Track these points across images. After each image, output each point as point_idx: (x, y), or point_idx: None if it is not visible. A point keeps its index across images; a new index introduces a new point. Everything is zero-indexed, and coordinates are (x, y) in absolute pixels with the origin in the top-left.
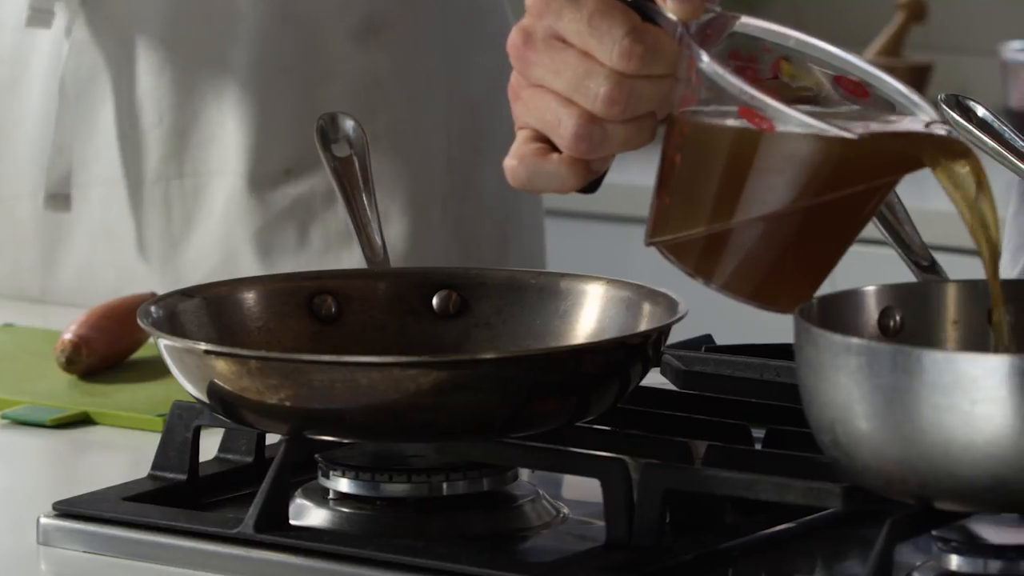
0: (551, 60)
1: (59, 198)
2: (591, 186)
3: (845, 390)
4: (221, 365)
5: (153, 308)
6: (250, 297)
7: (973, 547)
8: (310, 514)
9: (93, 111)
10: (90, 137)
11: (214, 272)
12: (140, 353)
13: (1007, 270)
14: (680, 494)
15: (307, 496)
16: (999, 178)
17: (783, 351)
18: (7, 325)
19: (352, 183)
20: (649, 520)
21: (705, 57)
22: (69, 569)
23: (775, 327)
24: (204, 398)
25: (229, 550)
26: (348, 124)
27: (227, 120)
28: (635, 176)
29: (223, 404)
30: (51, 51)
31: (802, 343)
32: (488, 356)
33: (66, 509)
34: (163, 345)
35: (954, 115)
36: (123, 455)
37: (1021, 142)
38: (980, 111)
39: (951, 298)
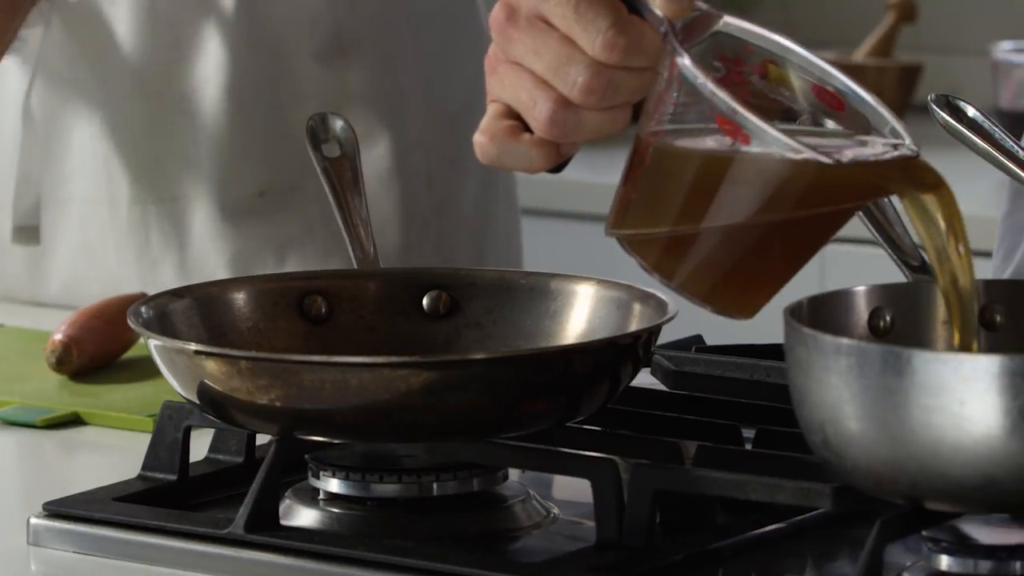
0: (532, 40)
1: (27, 230)
2: (558, 167)
3: (835, 390)
4: (211, 365)
5: (143, 308)
6: (240, 297)
7: (963, 547)
8: (300, 514)
9: (67, 132)
10: (65, 155)
11: None
12: (130, 353)
13: (999, 270)
14: (670, 494)
15: (297, 496)
16: (989, 178)
17: (773, 351)
18: None
19: (342, 183)
20: (639, 520)
21: (687, 61)
22: (59, 569)
23: (765, 328)
24: (194, 398)
25: (219, 550)
26: (338, 124)
27: (199, 145)
28: (615, 176)
29: (213, 404)
30: (21, 75)
31: (792, 343)
32: (478, 356)
33: (56, 509)
34: (153, 345)
35: (944, 115)
36: (113, 455)
37: (1011, 142)
38: (970, 111)
39: (941, 298)
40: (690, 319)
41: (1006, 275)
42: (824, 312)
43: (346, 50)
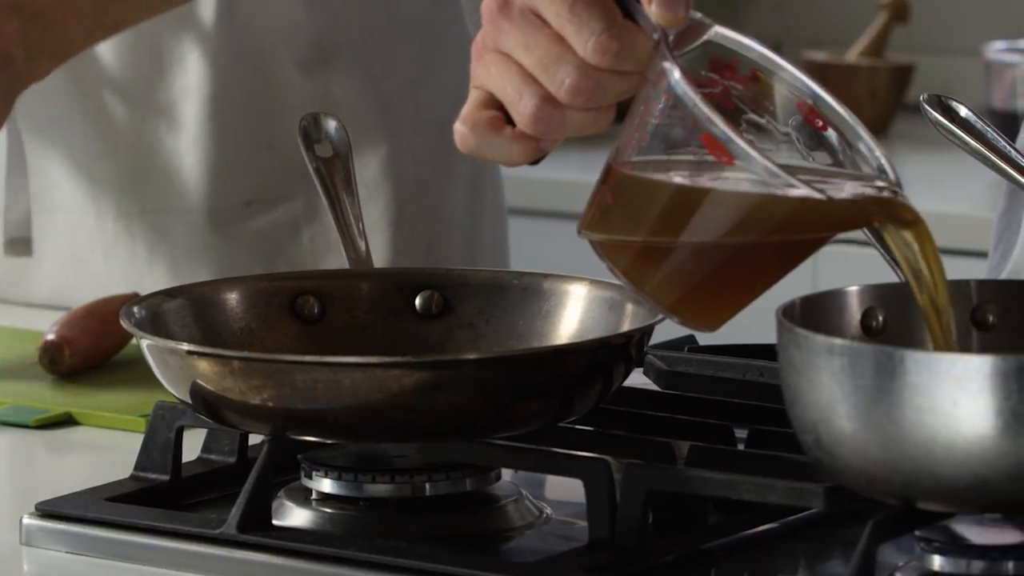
0: (523, 34)
1: (19, 242)
2: (536, 160)
3: (828, 390)
4: (204, 365)
5: (136, 308)
6: (233, 298)
7: (955, 547)
8: (293, 514)
9: (51, 144)
10: (50, 166)
11: None
12: (123, 353)
13: (995, 269)
14: (663, 494)
15: (290, 496)
16: (981, 178)
17: (766, 351)
18: None
19: (335, 184)
20: (631, 520)
21: (679, 75)
22: (52, 570)
23: (758, 328)
24: (187, 398)
25: (212, 550)
26: (331, 124)
27: (184, 155)
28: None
29: (206, 404)
30: None
31: (785, 343)
32: (471, 356)
33: (49, 509)
34: (146, 345)
35: (937, 115)
36: (106, 456)
37: (1003, 142)
38: (963, 111)
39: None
40: (684, 327)
41: (1003, 274)
42: (817, 312)
43: (329, 59)
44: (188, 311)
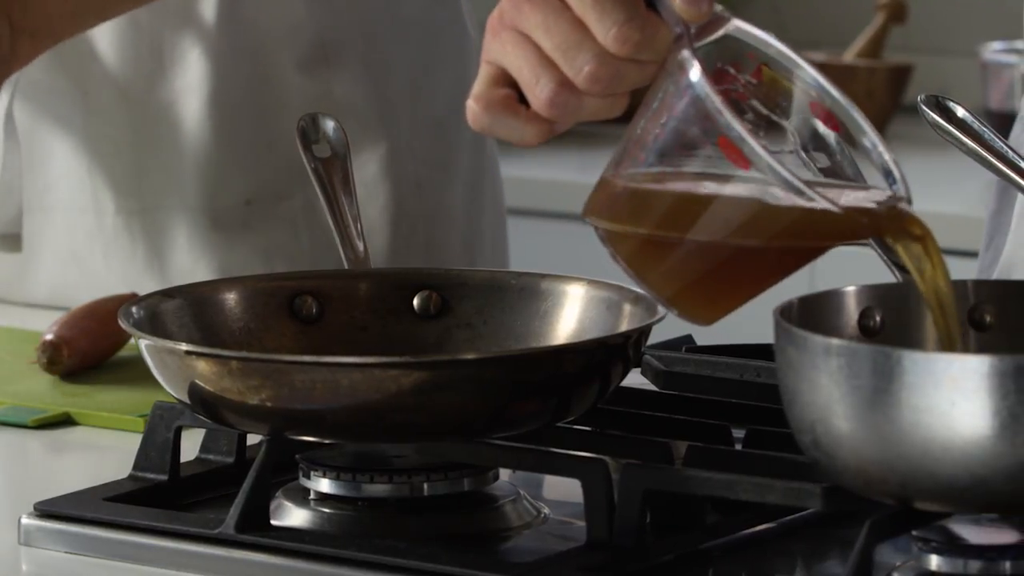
0: (544, 17)
1: (10, 238)
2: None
3: (825, 391)
4: (202, 366)
5: (134, 309)
6: (231, 298)
7: (953, 547)
8: (291, 514)
9: (49, 142)
10: (48, 164)
11: None
12: (121, 354)
13: (986, 269)
14: (660, 494)
15: (288, 497)
16: (978, 178)
17: (763, 352)
18: None
19: (333, 184)
20: (629, 520)
21: (699, 74)
22: (50, 570)
23: (755, 328)
24: (185, 399)
25: (210, 550)
26: (329, 125)
27: (183, 154)
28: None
29: (204, 405)
30: (3, 86)
31: (782, 344)
32: (469, 357)
33: (47, 509)
34: (144, 345)
35: (934, 116)
36: (104, 456)
37: (1000, 143)
38: (960, 112)
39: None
40: (680, 319)
41: (994, 273)
42: (814, 312)
43: (329, 58)
44: (186, 311)
